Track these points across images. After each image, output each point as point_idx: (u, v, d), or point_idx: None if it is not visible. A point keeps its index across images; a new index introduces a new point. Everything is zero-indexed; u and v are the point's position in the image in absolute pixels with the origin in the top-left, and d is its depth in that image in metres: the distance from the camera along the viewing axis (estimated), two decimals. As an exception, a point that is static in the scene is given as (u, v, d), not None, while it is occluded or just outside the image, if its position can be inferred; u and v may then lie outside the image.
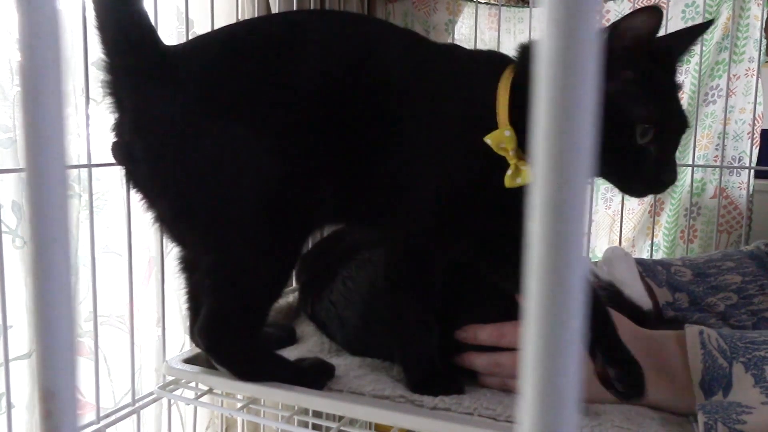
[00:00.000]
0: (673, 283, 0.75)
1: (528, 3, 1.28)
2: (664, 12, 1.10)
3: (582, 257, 0.14)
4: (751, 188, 1.11)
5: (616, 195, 1.25)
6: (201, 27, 0.86)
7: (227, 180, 0.53)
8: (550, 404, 0.13)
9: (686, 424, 0.53)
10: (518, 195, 0.50)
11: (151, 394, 0.67)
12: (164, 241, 0.71)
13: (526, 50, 0.55)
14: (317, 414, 0.66)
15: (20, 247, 0.73)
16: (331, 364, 0.62)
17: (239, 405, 0.65)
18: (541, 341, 0.13)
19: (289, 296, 0.84)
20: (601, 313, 0.53)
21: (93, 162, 0.60)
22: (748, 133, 1.12)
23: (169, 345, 0.76)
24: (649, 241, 1.16)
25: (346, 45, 0.55)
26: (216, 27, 0.75)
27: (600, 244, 1.28)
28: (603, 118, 0.48)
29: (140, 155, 0.52)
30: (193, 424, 0.81)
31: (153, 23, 0.53)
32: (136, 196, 0.57)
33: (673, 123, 0.53)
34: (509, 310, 0.58)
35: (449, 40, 1.25)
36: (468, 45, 0.99)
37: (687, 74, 1.15)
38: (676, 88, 0.54)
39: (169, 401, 0.73)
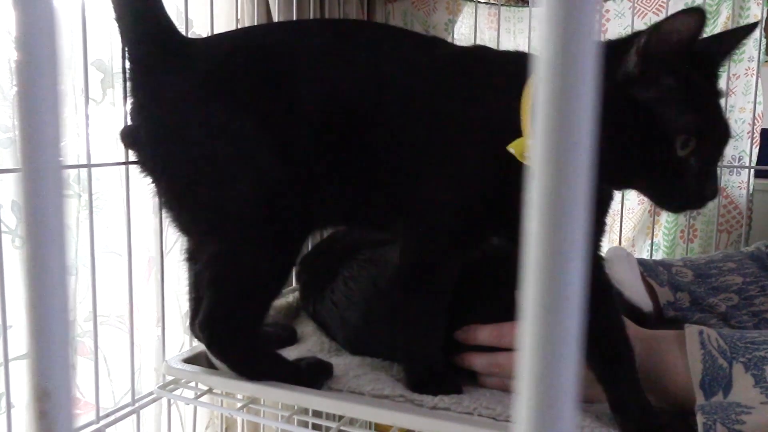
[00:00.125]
0: (674, 282, 0.75)
1: (527, 2, 1.28)
2: (664, 12, 1.10)
3: (581, 257, 0.14)
4: (751, 188, 1.11)
5: (615, 194, 1.25)
6: (201, 27, 0.86)
7: (226, 170, 0.53)
8: (548, 404, 0.13)
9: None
10: None
11: (151, 393, 0.67)
12: (164, 241, 0.71)
13: None
14: (317, 414, 0.66)
15: (20, 247, 0.73)
16: (329, 363, 0.62)
17: (239, 405, 0.65)
18: (539, 341, 0.13)
19: (289, 296, 0.84)
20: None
21: (93, 162, 0.60)
22: (747, 133, 1.12)
23: (168, 345, 0.76)
24: (649, 241, 1.15)
25: (362, 56, 0.56)
26: (216, 27, 0.75)
27: (600, 243, 1.27)
28: (640, 128, 0.48)
29: (144, 138, 0.54)
30: (193, 424, 0.81)
31: None
32: (138, 192, 0.58)
33: (715, 133, 0.49)
34: (509, 311, 0.58)
35: (449, 40, 1.25)
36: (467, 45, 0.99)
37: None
38: (718, 95, 0.51)
39: (169, 401, 0.73)
